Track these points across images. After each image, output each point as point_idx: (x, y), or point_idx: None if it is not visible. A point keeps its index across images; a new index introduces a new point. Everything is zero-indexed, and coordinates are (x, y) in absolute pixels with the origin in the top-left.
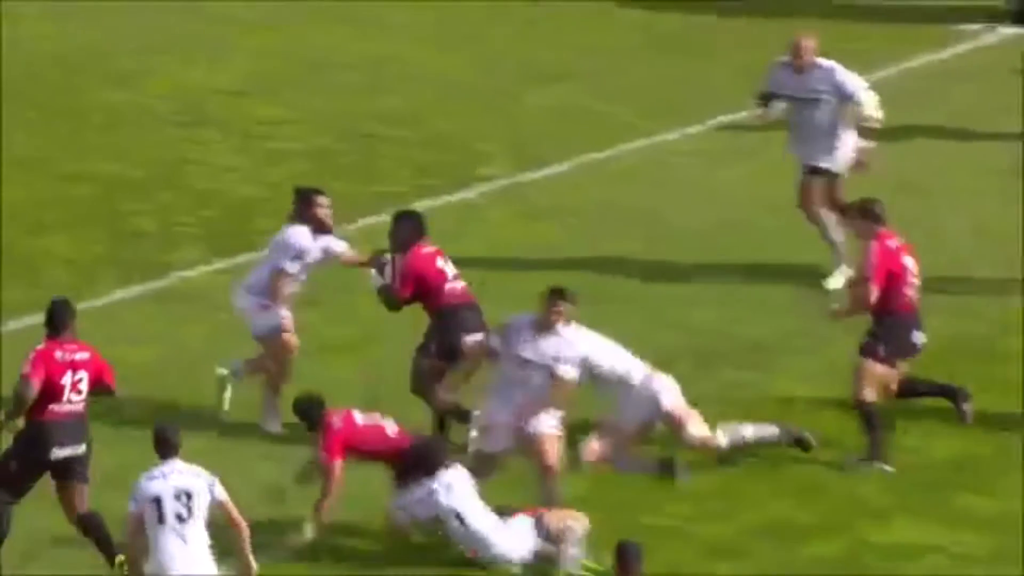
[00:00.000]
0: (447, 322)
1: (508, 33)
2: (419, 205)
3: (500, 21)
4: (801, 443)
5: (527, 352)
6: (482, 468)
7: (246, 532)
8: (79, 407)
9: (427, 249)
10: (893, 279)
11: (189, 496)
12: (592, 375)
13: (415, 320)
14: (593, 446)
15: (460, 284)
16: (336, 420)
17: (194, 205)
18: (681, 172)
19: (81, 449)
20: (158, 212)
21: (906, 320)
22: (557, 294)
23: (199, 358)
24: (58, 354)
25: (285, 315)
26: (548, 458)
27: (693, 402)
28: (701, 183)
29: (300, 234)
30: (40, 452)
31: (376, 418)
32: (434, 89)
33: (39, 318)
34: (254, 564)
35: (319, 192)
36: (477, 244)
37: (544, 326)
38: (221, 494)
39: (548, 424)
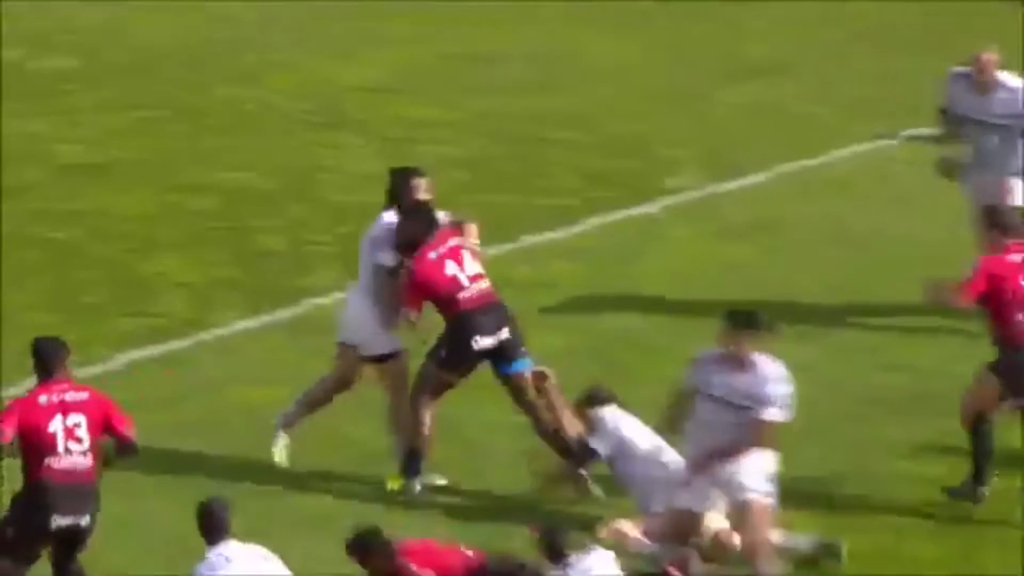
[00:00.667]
0: (459, 328)
1: (697, 21)
2: (591, 221)
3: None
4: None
5: (719, 391)
6: (682, 529)
7: None
8: (84, 463)
9: (437, 251)
10: (1002, 299)
11: None
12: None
13: None
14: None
15: (480, 286)
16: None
17: (329, 221)
18: (902, 183)
19: (85, 520)
20: (288, 228)
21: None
22: (740, 320)
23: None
24: (42, 398)
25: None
26: (757, 533)
27: (912, 453)
28: (926, 196)
29: (393, 219)
30: (38, 519)
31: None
32: (611, 86)
33: (152, 350)
34: None
35: (416, 172)
36: (657, 267)
37: (731, 359)
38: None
39: (758, 486)
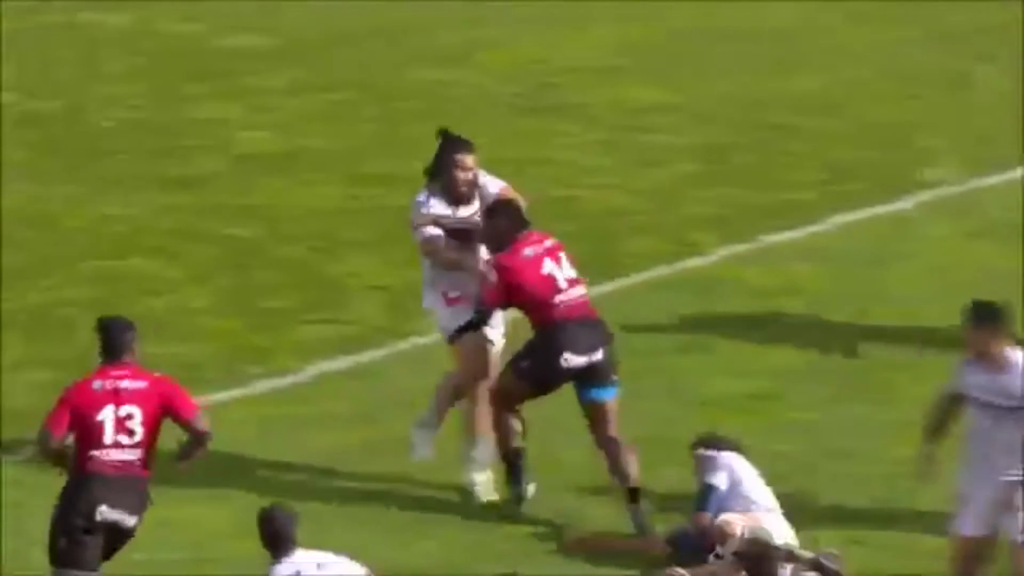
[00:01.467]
0: (548, 340)
1: None
2: (834, 219)
3: None
4: None
5: (979, 394)
6: (978, 558)
7: None
8: (134, 458)
9: (530, 249)
10: None
11: None
12: None
13: None
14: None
15: (577, 293)
16: None
17: (544, 218)
18: None
19: (131, 521)
20: None
21: None
22: (981, 316)
23: (543, 416)
24: (96, 383)
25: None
26: None
27: None
28: None
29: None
30: (81, 512)
31: None
32: (864, 67)
33: (342, 361)
34: None
35: (464, 146)
36: (909, 270)
37: (984, 359)
38: (360, 570)
39: None
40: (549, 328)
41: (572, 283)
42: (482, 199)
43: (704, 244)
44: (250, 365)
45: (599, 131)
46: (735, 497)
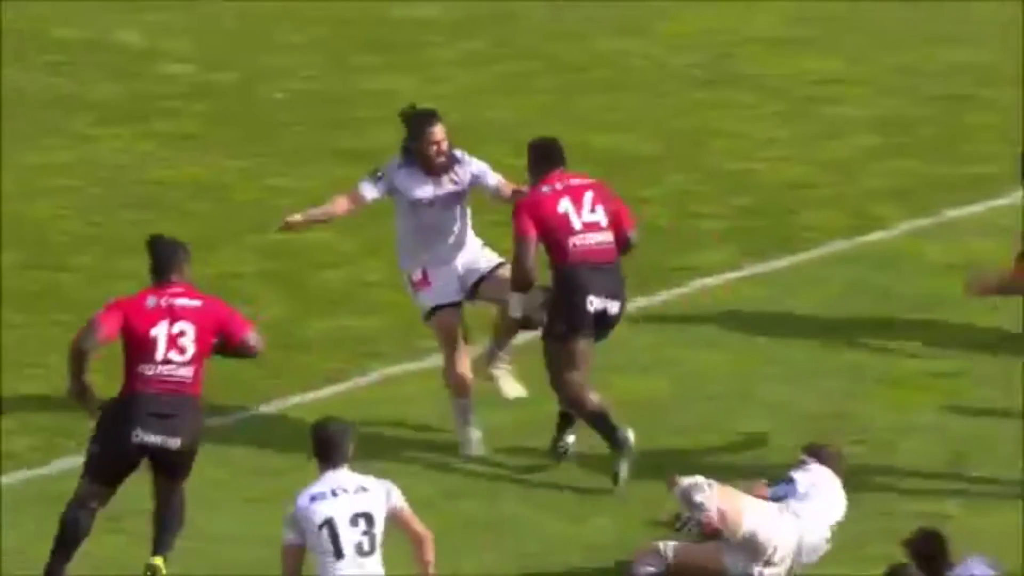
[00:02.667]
0: (566, 287)
1: None
2: (1018, 195)
3: None
4: None
5: None
6: None
7: (430, 546)
8: (183, 376)
9: (548, 186)
10: None
11: (370, 521)
12: None
13: None
14: None
15: (595, 238)
16: None
17: (720, 191)
18: None
19: (175, 443)
20: (672, 199)
21: None
22: None
23: (721, 393)
24: (150, 300)
25: (431, 286)
26: None
27: None
28: None
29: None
30: (120, 432)
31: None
32: None
33: (519, 336)
34: None
35: (430, 119)
36: None
37: None
38: (397, 500)
39: None
40: (565, 272)
41: (590, 227)
42: (465, 170)
43: (886, 218)
44: (425, 339)
45: (777, 103)
46: (800, 500)
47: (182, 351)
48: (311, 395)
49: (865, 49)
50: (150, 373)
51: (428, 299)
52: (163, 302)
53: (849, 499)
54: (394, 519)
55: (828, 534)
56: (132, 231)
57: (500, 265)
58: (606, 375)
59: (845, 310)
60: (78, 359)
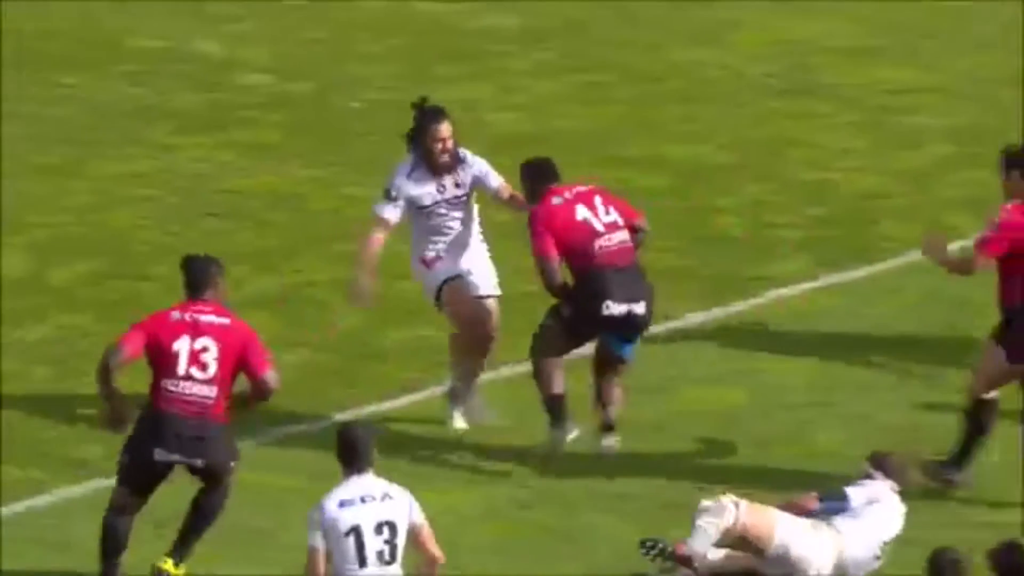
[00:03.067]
0: (591, 287)
1: None
2: None
3: None
4: None
5: None
6: None
7: (436, 571)
8: (206, 395)
9: (558, 197)
10: None
11: (393, 529)
12: None
13: None
14: None
15: (618, 237)
16: None
17: (796, 201)
18: None
19: (198, 463)
20: (748, 210)
21: None
22: None
23: (798, 404)
24: (175, 314)
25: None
26: None
27: None
28: None
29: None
30: (143, 449)
31: None
32: None
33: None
34: None
35: (437, 115)
36: None
37: None
38: (418, 516)
39: None
40: (589, 275)
41: (611, 227)
42: (467, 171)
43: (961, 227)
44: (501, 350)
45: (852, 113)
46: (849, 516)
47: (203, 367)
48: (387, 404)
49: (940, 58)
50: (172, 389)
51: (435, 278)
52: (187, 316)
53: (924, 508)
54: (412, 535)
55: (878, 551)
56: (210, 240)
57: (494, 296)
58: (681, 386)
59: (921, 320)
60: (104, 374)
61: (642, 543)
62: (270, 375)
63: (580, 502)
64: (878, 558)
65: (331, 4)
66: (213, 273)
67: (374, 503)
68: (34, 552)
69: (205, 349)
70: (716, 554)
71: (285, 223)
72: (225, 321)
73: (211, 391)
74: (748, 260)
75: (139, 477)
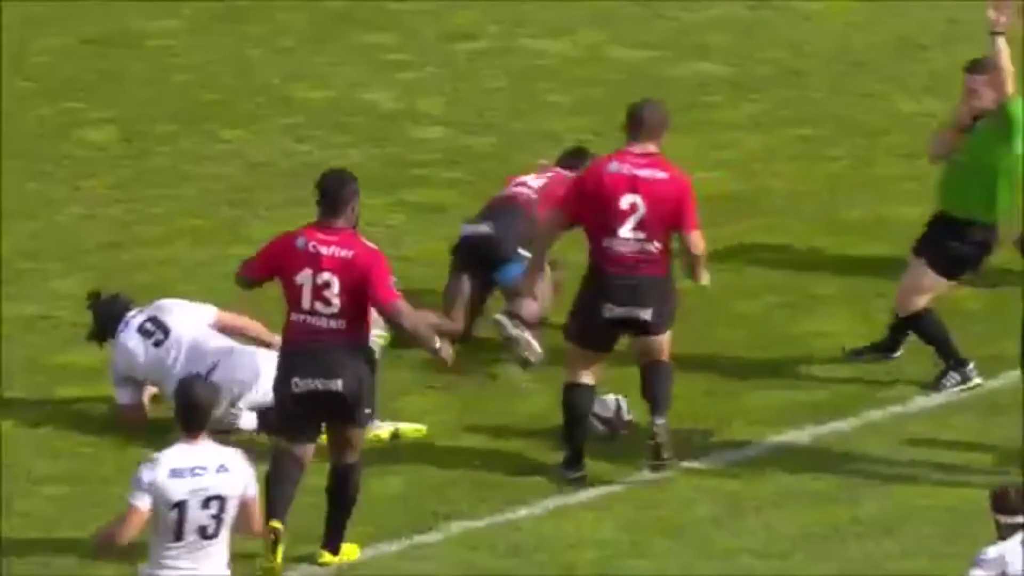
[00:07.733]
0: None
1: None
2: None
3: None
4: None
5: None
6: None
7: (251, 533)
8: (335, 326)
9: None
10: None
11: (222, 504)
12: None
13: None
14: None
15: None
16: None
17: None
18: None
19: (336, 385)
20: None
21: None
22: None
23: None
24: (299, 242)
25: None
26: None
27: None
28: None
29: None
30: (283, 384)
31: None
32: None
33: (809, 431)
34: None
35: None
36: None
37: None
38: (252, 490)
39: None
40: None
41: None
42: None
43: None
44: (703, 434)
45: None
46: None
47: (327, 303)
48: None
49: None
50: (297, 321)
51: None
52: (311, 247)
53: None
54: (241, 509)
55: None
56: None
57: None
58: (896, 482)
59: None
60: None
61: None
62: (392, 304)
63: (701, 498)
64: None
65: (513, 48)
66: (347, 194)
67: (206, 475)
68: None
69: (327, 285)
70: None
71: None
72: (348, 254)
73: (338, 323)
74: (987, 335)
75: (288, 414)
